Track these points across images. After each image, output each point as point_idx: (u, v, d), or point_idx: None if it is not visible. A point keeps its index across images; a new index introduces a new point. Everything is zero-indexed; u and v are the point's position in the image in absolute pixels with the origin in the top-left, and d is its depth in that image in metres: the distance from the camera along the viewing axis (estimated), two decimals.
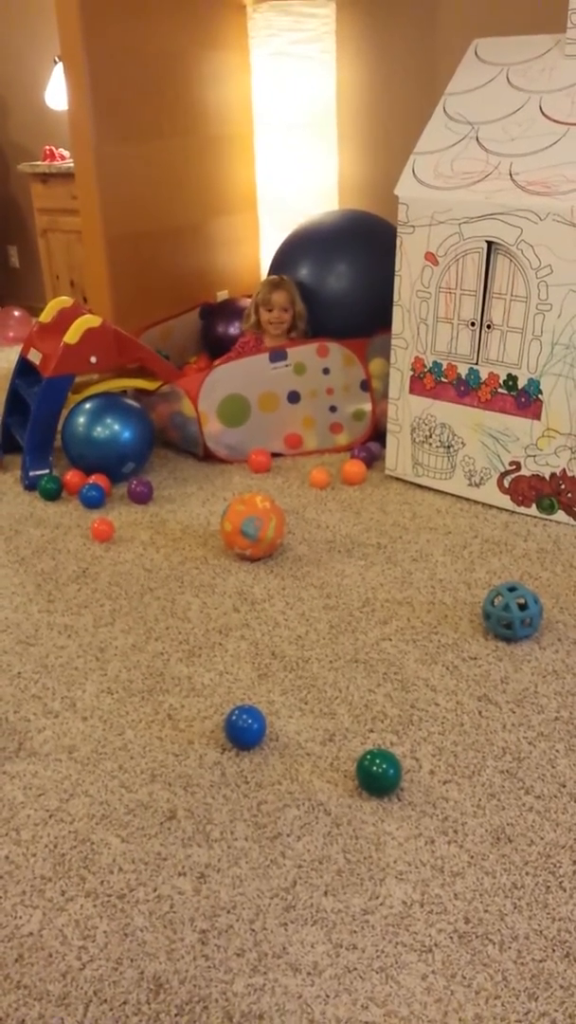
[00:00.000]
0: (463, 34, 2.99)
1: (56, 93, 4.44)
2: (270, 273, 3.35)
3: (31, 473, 2.89)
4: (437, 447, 2.71)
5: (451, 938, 1.34)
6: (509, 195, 2.36)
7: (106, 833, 1.55)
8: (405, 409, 2.75)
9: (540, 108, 2.46)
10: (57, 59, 4.30)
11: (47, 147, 4.56)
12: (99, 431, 2.82)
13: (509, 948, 1.32)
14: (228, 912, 1.39)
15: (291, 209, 3.69)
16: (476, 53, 2.71)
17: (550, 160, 2.36)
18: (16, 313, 4.93)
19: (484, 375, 2.54)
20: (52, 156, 4.52)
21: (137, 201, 3.46)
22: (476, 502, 2.69)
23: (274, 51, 3.56)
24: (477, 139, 2.51)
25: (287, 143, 3.68)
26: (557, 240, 2.30)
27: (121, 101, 3.30)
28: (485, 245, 2.43)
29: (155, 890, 1.43)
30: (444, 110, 2.63)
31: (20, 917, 1.40)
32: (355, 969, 1.30)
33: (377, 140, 3.73)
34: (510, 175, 2.39)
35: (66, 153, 4.49)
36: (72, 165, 3.62)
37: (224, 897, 1.42)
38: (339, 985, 1.27)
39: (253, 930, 1.36)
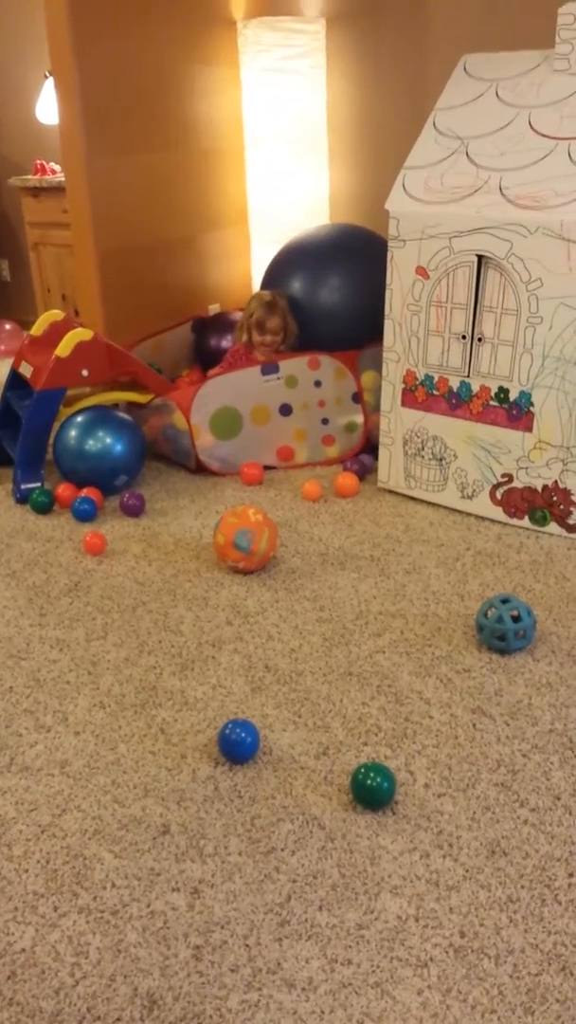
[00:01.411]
0: (452, 50, 3.01)
1: (47, 107, 4.46)
2: (263, 287, 3.36)
3: (22, 486, 2.89)
4: (429, 459, 2.72)
5: (446, 952, 1.33)
6: (499, 209, 2.38)
7: (99, 848, 1.54)
8: (397, 422, 2.75)
9: (529, 123, 2.48)
10: (48, 73, 4.31)
11: (38, 161, 4.57)
12: (91, 444, 2.81)
13: (505, 962, 1.31)
14: (222, 927, 1.38)
15: (282, 223, 3.71)
16: (465, 68, 2.73)
17: (539, 174, 2.37)
18: (7, 326, 4.93)
19: (476, 388, 2.55)
20: (43, 170, 4.53)
21: (128, 215, 3.46)
22: (469, 514, 2.69)
23: (264, 67, 3.58)
24: (467, 154, 2.53)
25: (278, 157, 3.70)
26: (547, 253, 2.31)
27: (112, 115, 3.32)
28: (475, 259, 2.44)
29: (148, 906, 1.42)
30: (434, 125, 2.65)
31: (12, 933, 1.38)
32: (350, 984, 1.29)
33: (367, 155, 3.76)
34: (500, 189, 2.41)
35: (57, 167, 4.50)
36: (63, 179, 3.63)
37: (218, 912, 1.41)
38: (334, 1001, 1.27)
39: (247, 945, 1.35)
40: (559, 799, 1.61)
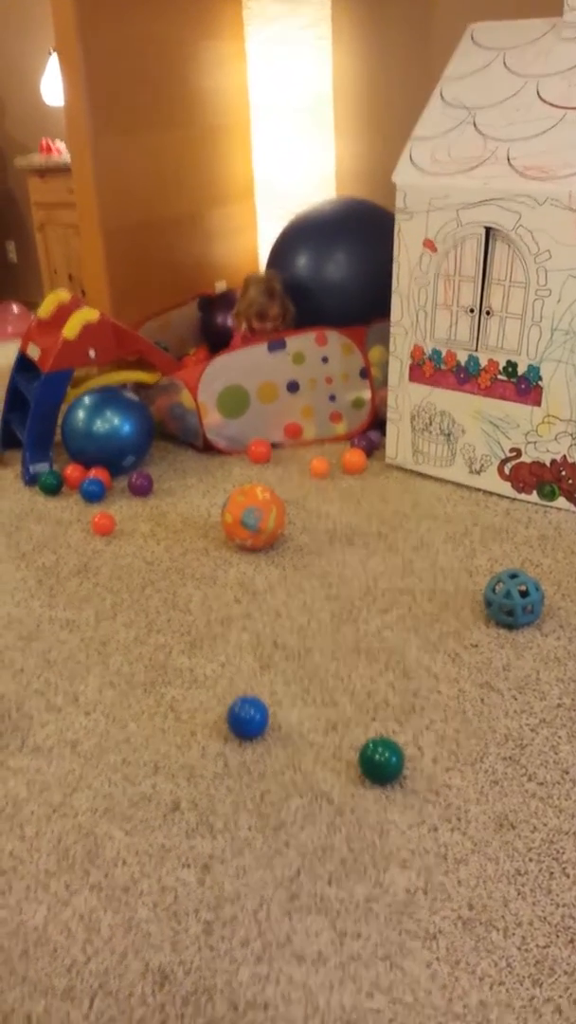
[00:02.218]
0: (459, 19, 2.97)
1: (51, 86, 4.42)
2: (269, 262, 3.34)
3: (31, 468, 2.89)
4: (437, 435, 2.71)
5: (455, 925, 1.34)
6: (507, 180, 2.35)
7: (110, 826, 1.55)
8: (405, 397, 2.74)
9: (537, 92, 2.45)
10: (52, 51, 4.28)
11: (43, 141, 4.54)
12: (99, 425, 2.81)
13: (513, 934, 1.32)
14: (232, 903, 1.39)
15: (288, 198, 3.68)
16: (472, 38, 2.69)
17: (548, 144, 2.34)
18: (14, 308, 4.92)
19: (484, 362, 2.53)
20: (48, 150, 4.51)
21: (134, 193, 3.44)
22: (477, 489, 2.68)
23: (270, 39, 3.54)
24: (474, 124, 2.50)
25: (284, 131, 3.66)
26: (556, 225, 2.29)
27: (117, 93, 3.29)
28: (483, 231, 2.42)
29: (159, 882, 1.44)
30: (441, 95, 2.61)
31: (25, 912, 1.40)
32: (359, 957, 1.30)
33: (374, 127, 3.71)
34: (508, 160, 2.38)
35: (62, 147, 4.48)
36: (68, 159, 3.61)
37: (228, 888, 1.42)
38: (343, 973, 1.28)
39: (257, 920, 1.36)
40: (567, 773, 1.61)
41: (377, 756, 1.58)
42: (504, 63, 2.57)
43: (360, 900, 1.39)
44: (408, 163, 2.54)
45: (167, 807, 1.58)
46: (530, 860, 1.44)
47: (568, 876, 1.41)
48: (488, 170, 2.39)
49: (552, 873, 1.42)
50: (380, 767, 1.58)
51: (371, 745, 1.60)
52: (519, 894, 1.38)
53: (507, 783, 1.60)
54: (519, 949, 1.30)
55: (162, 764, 1.68)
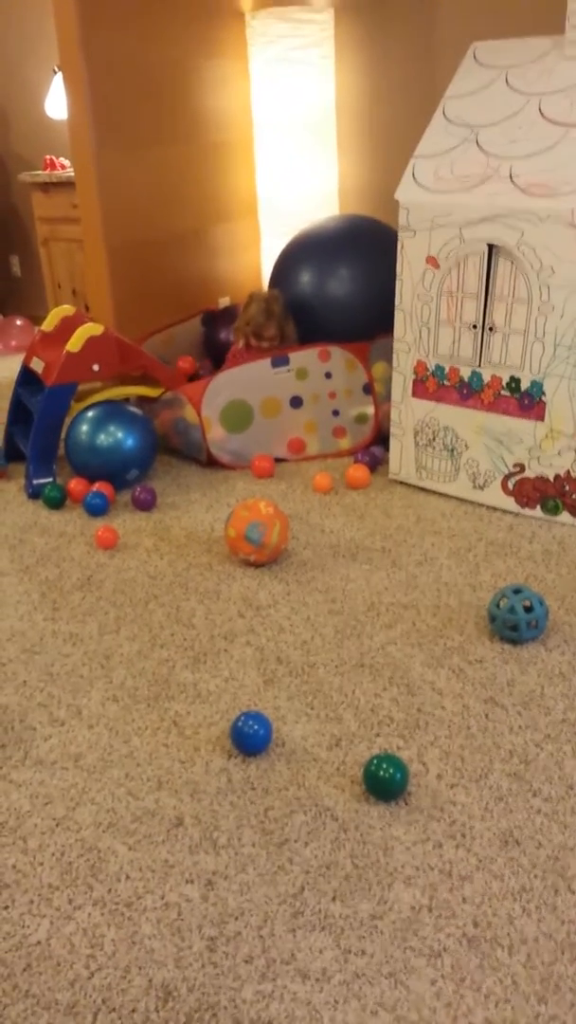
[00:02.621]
0: (461, 37, 3.00)
1: (56, 103, 4.46)
2: (272, 279, 3.35)
3: (35, 481, 2.90)
4: (440, 450, 2.71)
5: (460, 942, 1.33)
6: (510, 197, 2.36)
7: (113, 841, 1.54)
8: (408, 413, 2.75)
9: (540, 110, 2.46)
10: (56, 69, 4.32)
11: (47, 157, 4.57)
12: (102, 439, 2.82)
13: (518, 952, 1.31)
14: (236, 919, 1.39)
15: (292, 214, 3.70)
16: (475, 56, 2.71)
17: (550, 162, 2.36)
18: (18, 322, 4.94)
19: (487, 378, 2.54)
20: (52, 165, 4.53)
21: (138, 209, 3.46)
22: (480, 505, 2.68)
23: (273, 57, 3.56)
24: (477, 142, 2.52)
25: (287, 149, 3.68)
26: (558, 242, 2.30)
27: (121, 109, 3.31)
28: (486, 248, 2.43)
29: (163, 897, 1.43)
30: (444, 113, 2.63)
31: (28, 926, 1.39)
32: (364, 975, 1.29)
33: (377, 145, 3.74)
34: (510, 177, 2.39)
35: (66, 162, 4.51)
36: (72, 174, 3.63)
37: (232, 904, 1.41)
38: (348, 991, 1.27)
39: (261, 936, 1.36)
40: (572, 788, 1.61)
41: (381, 772, 1.58)
42: (507, 81, 2.59)
43: (364, 917, 1.38)
44: (411, 181, 2.55)
45: (170, 822, 1.58)
46: (535, 877, 1.43)
47: (574, 893, 1.40)
48: (491, 187, 2.41)
49: (557, 890, 1.41)
50: (384, 783, 1.58)
51: (375, 761, 1.59)
52: (524, 911, 1.38)
53: (512, 799, 1.59)
54: (524, 966, 1.29)
55: (165, 779, 1.68)
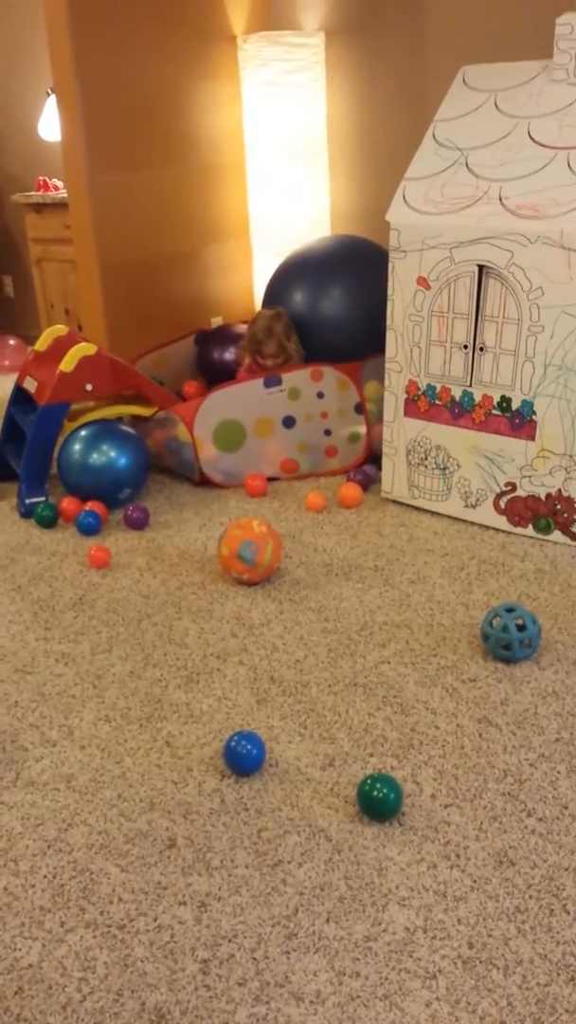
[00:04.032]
0: (451, 61, 3.03)
1: (49, 124, 4.49)
2: (265, 299, 3.37)
3: (27, 501, 2.89)
4: (433, 469, 2.72)
5: (455, 964, 1.32)
6: (499, 219, 2.38)
7: (105, 863, 1.53)
8: (400, 432, 2.76)
9: (528, 133, 2.49)
10: (50, 91, 4.35)
11: (40, 178, 4.60)
12: (95, 458, 2.82)
13: (514, 973, 1.30)
14: (229, 941, 1.38)
15: (283, 236, 3.72)
16: (464, 80, 2.74)
17: (539, 184, 2.38)
18: (11, 342, 4.95)
19: (478, 397, 2.56)
20: (46, 186, 4.56)
21: (130, 230, 3.48)
22: (472, 523, 2.69)
23: (265, 81, 3.60)
24: (467, 164, 2.54)
25: (279, 170, 3.71)
26: (548, 263, 2.32)
27: (114, 131, 3.34)
28: (476, 269, 2.45)
29: (155, 920, 1.42)
30: (434, 136, 2.66)
31: (19, 949, 1.38)
32: (358, 997, 1.28)
33: (368, 167, 3.77)
34: (500, 199, 2.41)
35: (59, 183, 4.53)
36: (65, 195, 3.65)
37: (225, 926, 1.40)
38: (342, 1013, 1.26)
39: (255, 959, 1.35)
40: (566, 808, 1.60)
41: (375, 792, 1.57)
42: (496, 105, 2.62)
43: (359, 939, 1.37)
44: (402, 203, 2.58)
45: (163, 844, 1.57)
46: (530, 897, 1.43)
47: (568, 913, 1.40)
48: (481, 209, 2.43)
49: (552, 910, 1.40)
50: (378, 803, 1.57)
51: (369, 781, 1.59)
52: (519, 932, 1.37)
53: (506, 819, 1.59)
54: (520, 988, 1.28)
55: (158, 800, 1.67)
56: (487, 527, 2.66)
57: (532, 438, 2.49)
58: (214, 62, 3.64)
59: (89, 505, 2.80)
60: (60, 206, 4.25)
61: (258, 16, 3.73)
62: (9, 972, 1.34)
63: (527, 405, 2.46)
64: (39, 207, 4.45)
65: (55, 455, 2.95)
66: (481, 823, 1.58)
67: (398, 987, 1.29)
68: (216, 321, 3.89)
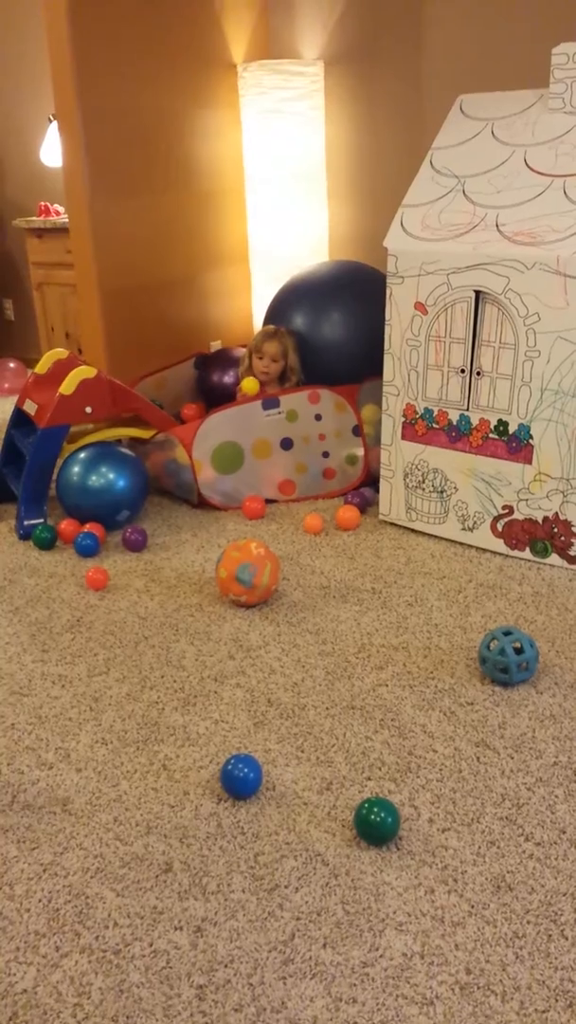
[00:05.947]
0: (448, 90, 3.07)
1: (51, 150, 4.53)
2: (266, 321, 3.39)
3: (26, 522, 2.90)
4: (430, 492, 2.73)
5: (452, 990, 1.31)
6: (496, 246, 2.41)
7: (101, 887, 1.52)
8: (398, 455, 2.77)
9: (525, 161, 2.52)
10: (52, 117, 4.40)
11: (42, 203, 4.64)
12: (94, 480, 2.83)
13: (511, 999, 1.30)
14: (225, 966, 1.37)
15: (282, 261, 3.75)
16: (461, 108, 2.78)
17: (535, 211, 2.41)
18: (12, 365, 4.97)
19: (475, 421, 2.57)
20: (47, 212, 4.60)
21: (131, 255, 3.51)
22: (470, 546, 2.70)
23: (264, 108, 3.64)
24: (464, 192, 2.57)
25: (278, 197, 3.75)
26: (544, 288, 2.34)
27: (115, 158, 3.37)
28: (473, 294, 2.47)
29: (151, 945, 1.41)
30: (431, 164, 2.69)
31: (14, 974, 1.37)
32: (355, 1023, 1.27)
33: (366, 194, 3.81)
34: (496, 226, 2.44)
35: (61, 209, 4.57)
36: (67, 220, 3.69)
37: (221, 951, 1.40)
38: None
39: (251, 984, 1.34)
40: (564, 833, 1.60)
41: (372, 816, 1.57)
42: (492, 133, 2.65)
43: (356, 964, 1.36)
44: (399, 229, 2.60)
45: (159, 868, 1.56)
46: (528, 922, 1.42)
47: (566, 938, 1.39)
48: (478, 236, 2.46)
49: (550, 935, 1.40)
50: (376, 828, 1.57)
51: (366, 805, 1.58)
52: (517, 957, 1.36)
53: (504, 844, 1.58)
54: (518, 1014, 1.27)
55: (154, 824, 1.66)
56: (484, 550, 2.67)
57: (529, 461, 2.50)
58: (214, 90, 3.69)
59: (87, 527, 2.81)
60: (61, 231, 4.28)
61: (258, 45, 3.78)
62: (3, 997, 1.33)
63: (524, 429, 2.48)
64: (40, 232, 4.49)
65: (54, 477, 2.96)
66: (479, 848, 1.57)
67: (395, 1013, 1.28)
68: (215, 345, 3.92)
